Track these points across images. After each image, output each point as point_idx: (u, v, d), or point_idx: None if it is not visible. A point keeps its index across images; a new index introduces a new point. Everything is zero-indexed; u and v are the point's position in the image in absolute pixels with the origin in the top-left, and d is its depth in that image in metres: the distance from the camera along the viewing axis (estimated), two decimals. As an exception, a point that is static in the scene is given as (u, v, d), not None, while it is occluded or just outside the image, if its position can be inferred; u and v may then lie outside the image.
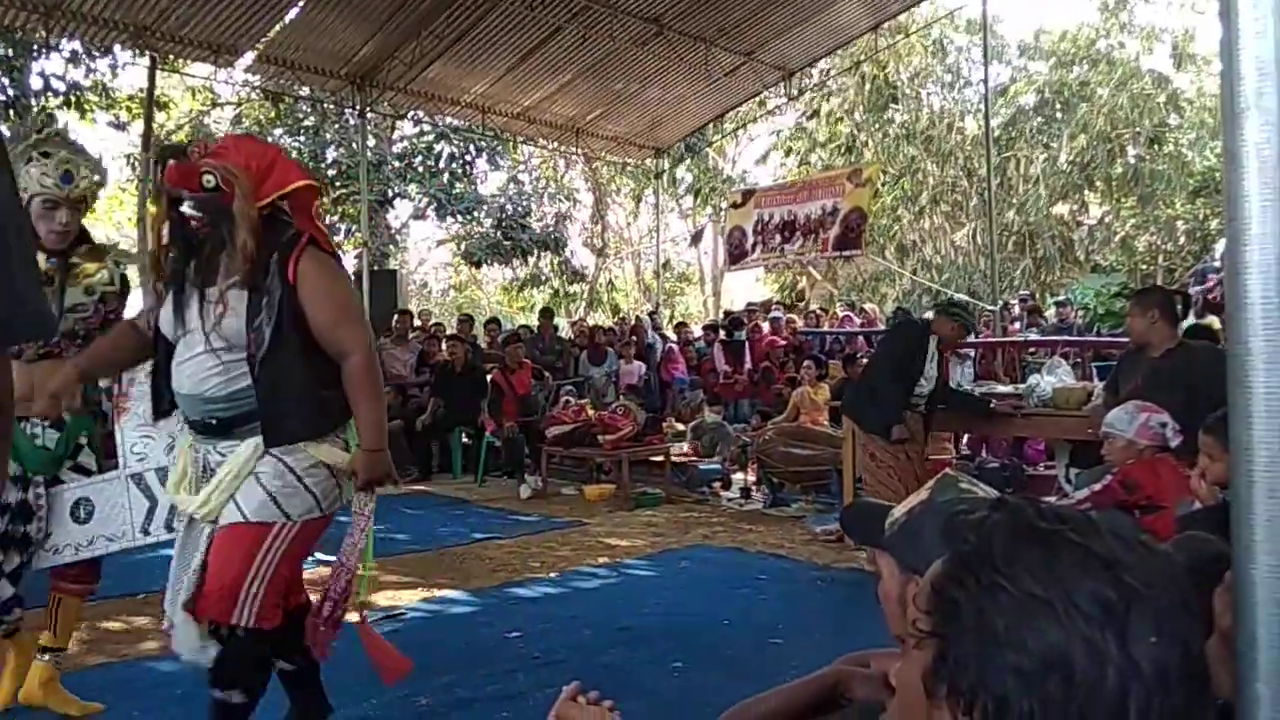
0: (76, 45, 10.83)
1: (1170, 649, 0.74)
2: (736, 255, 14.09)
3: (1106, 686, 0.72)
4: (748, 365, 11.26)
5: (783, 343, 10.99)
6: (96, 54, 11.99)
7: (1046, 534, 0.79)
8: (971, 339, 7.43)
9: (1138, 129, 19.25)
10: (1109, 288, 13.21)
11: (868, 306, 13.82)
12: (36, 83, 11.78)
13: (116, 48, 10.83)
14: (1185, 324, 5.98)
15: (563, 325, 14.14)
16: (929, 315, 7.81)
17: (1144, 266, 19.67)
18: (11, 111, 11.29)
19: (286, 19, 10.09)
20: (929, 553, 1.01)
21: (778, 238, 13.24)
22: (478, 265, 18.33)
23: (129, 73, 16.13)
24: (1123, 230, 20.20)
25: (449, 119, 13.77)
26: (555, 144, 14.63)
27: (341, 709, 3.35)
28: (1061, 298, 12.93)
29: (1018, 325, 11.04)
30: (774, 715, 1.48)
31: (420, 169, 16.35)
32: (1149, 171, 19.11)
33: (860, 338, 11.54)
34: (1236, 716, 0.90)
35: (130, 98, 13.81)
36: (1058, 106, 20.01)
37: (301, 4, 9.85)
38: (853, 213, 12.55)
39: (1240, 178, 0.85)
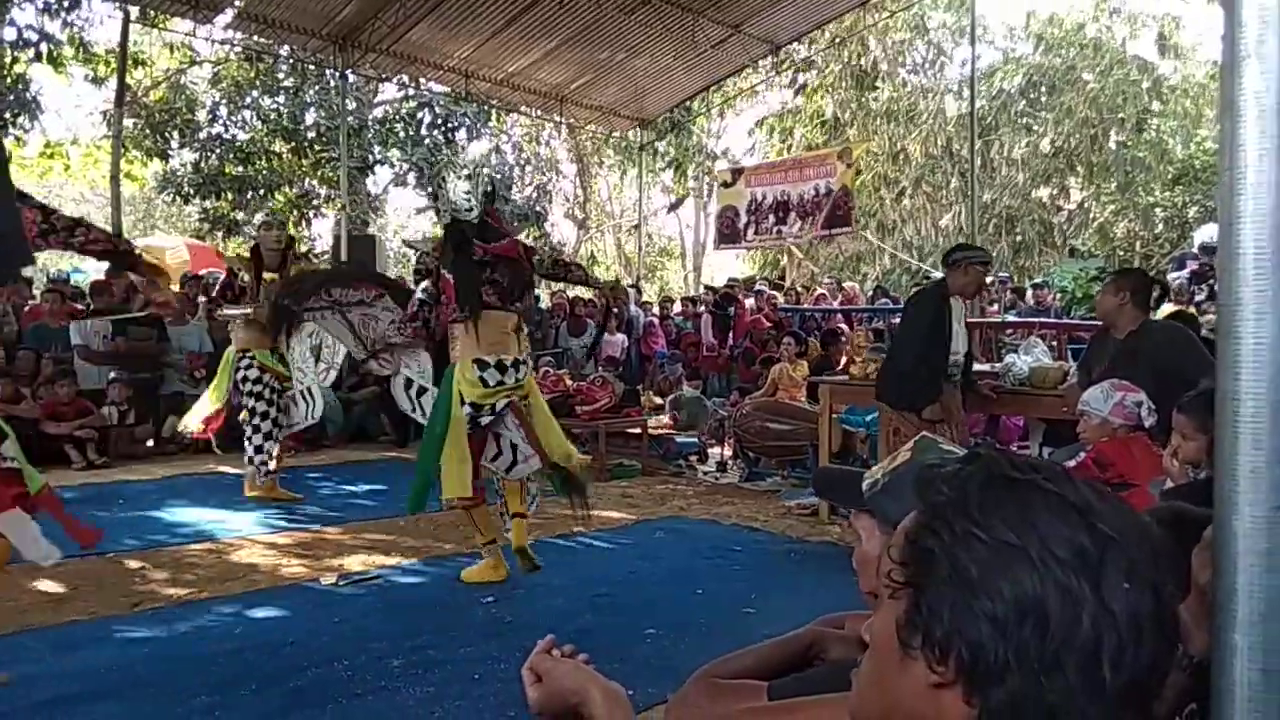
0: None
1: (1142, 596, 0.73)
2: (728, 236, 14.08)
3: (1081, 633, 0.72)
4: (730, 341, 11.27)
5: (768, 323, 10.99)
6: (74, 7, 11.73)
7: (1020, 483, 0.78)
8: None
9: (1121, 115, 19.32)
10: (1086, 271, 13.31)
11: (845, 285, 13.83)
12: (9, 34, 11.52)
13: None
14: (1163, 311, 6.02)
15: (543, 297, 14.07)
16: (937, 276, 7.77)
17: (1122, 252, 19.79)
18: (-17, 64, 11.06)
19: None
20: (912, 509, 1.00)
21: (771, 218, 13.25)
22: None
23: (107, 26, 15.85)
24: (1102, 216, 20.30)
25: (432, 83, 13.61)
26: (539, 112, 14.50)
27: (314, 669, 3.36)
28: (1039, 280, 12.99)
29: (995, 307, 11.08)
30: (748, 673, 1.48)
31: (402, 135, 16.17)
32: (1130, 158, 19.20)
33: (839, 315, 11.56)
34: (1213, 668, 0.90)
35: (108, 51, 13.54)
36: (1043, 90, 20.02)
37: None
38: (840, 191, 12.60)
39: (1238, 126, 0.84)
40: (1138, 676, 0.74)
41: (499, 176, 17.73)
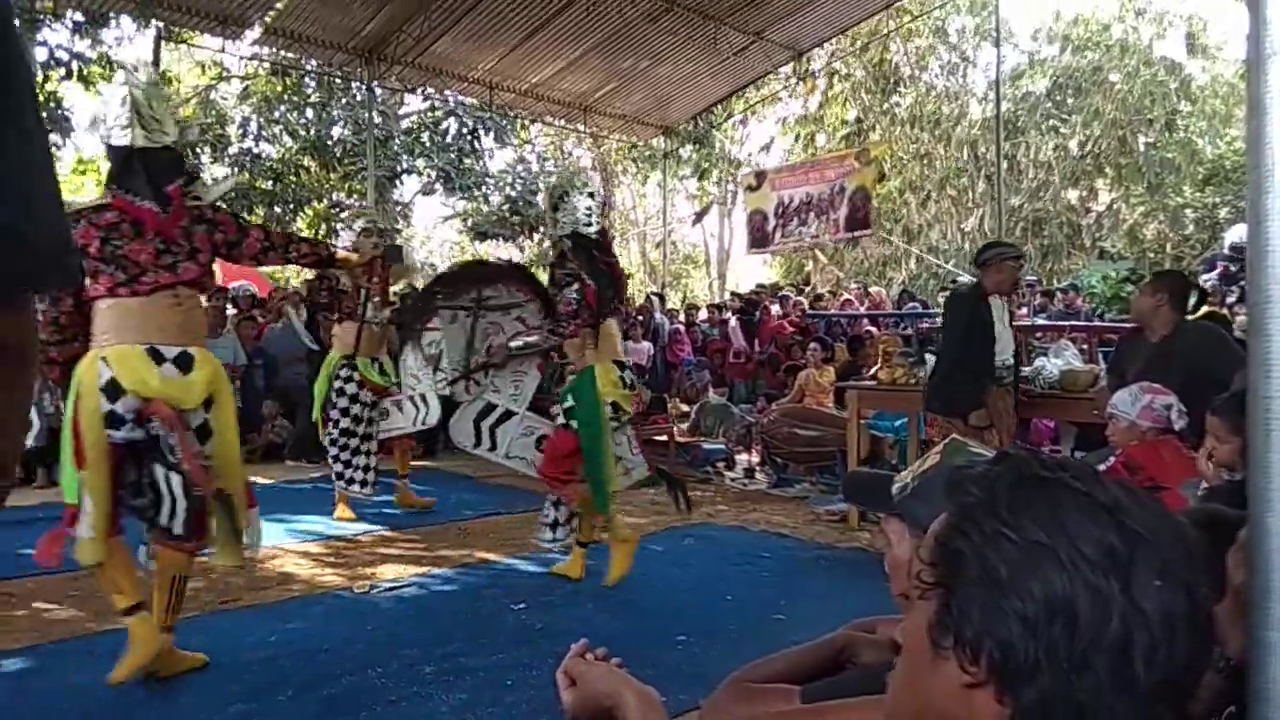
0: (80, 16, 10.76)
1: (1174, 595, 0.73)
2: (759, 239, 14.07)
3: (1110, 632, 0.72)
4: (756, 347, 11.26)
5: (790, 328, 10.96)
6: (102, 25, 11.91)
7: (1049, 482, 0.79)
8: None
9: (1149, 115, 19.13)
10: (1117, 273, 13.18)
11: (872, 290, 13.77)
12: (41, 54, 11.72)
13: (124, 18, 10.75)
14: (1198, 315, 5.95)
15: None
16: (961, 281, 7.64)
17: (1152, 254, 19.58)
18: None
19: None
20: (941, 513, 1.01)
21: (795, 220, 13.26)
22: (487, 238, 18.27)
23: (137, 45, 16.10)
24: (1131, 218, 20.09)
25: (457, 94, 13.71)
26: (563, 121, 14.56)
27: (348, 677, 3.39)
28: (1068, 283, 12.88)
29: (1024, 310, 10.99)
30: (780, 678, 1.48)
31: (428, 143, 16.28)
32: (1159, 159, 19.00)
33: (865, 320, 11.52)
34: (1249, 667, 0.89)
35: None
36: (1069, 92, 19.87)
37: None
38: (857, 192, 12.54)
39: (1264, 124, 0.84)
40: (1171, 675, 0.74)
41: (524, 184, 17.81)
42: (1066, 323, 9.35)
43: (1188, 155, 19.34)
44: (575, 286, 4.63)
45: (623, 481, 4.78)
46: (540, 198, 18.36)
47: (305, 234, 3.85)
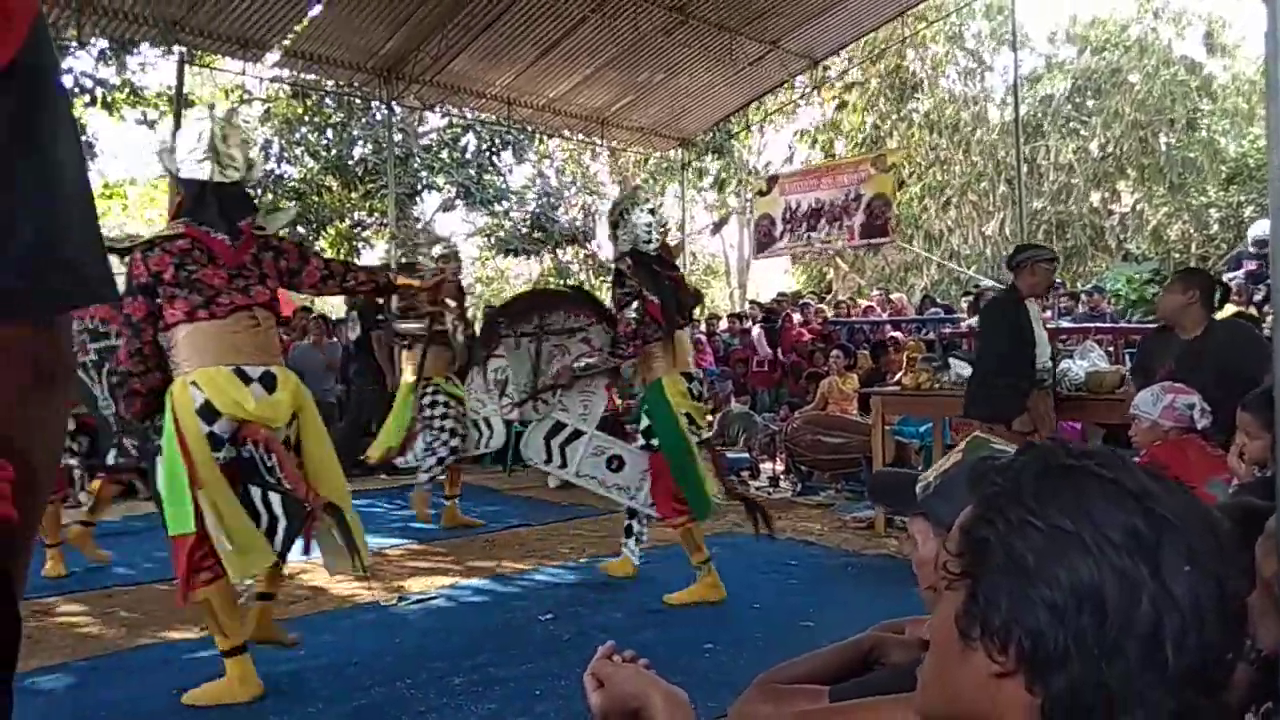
0: (105, 43, 10.93)
1: (1204, 581, 0.73)
2: (764, 243, 14.08)
3: (1140, 617, 0.72)
4: (777, 356, 11.22)
5: (808, 335, 10.92)
6: (126, 52, 12.10)
7: (1075, 470, 0.79)
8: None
9: (1170, 115, 18.97)
10: (1141, 275, 13.04)
11: (893, 296, 13.71)
12: (67, 82, 11.92)
13: (146, 45, 10.90)
14: (1225, 312, 5.89)
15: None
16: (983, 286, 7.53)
17: (1177, 255, 19.38)
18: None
19: (313, 12, 10.15)
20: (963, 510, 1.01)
21: (804, 225, 13.20)
22: (513, 254, 18.37)
23: (158, 71, 16.32)
24: (1155, 218, 19.91)
25: (475, 112, 13.80)
26: (581, 135, 14.63)
27: (378, 688, 3.41)
28: (1093, 285, 12.76)
29: (1049, 313, 10.91)
30: (808, 678, 1.48)
31: (447, 160, 16.41)
32: (1181, 159, 18.83)
33: (888, 326, 11.46)
34: (1281, 656, 0.89)
35: (159, 95, 13.93)
36: (1089, 94, 19.75)
37: (328, -3, 9.91)
38: (876, 199, 12.46)
39: (1282, 112, 0.84)
40: (1203, 661, 0.73)
41: (545, 199, 17.91)
42: (1091, 325, 9.27)
43: (1210, 154, 19.16)
44: (635, 305, 4.74)
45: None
46: (559, 212, 18.52)
47: (364, 264, 3.99)
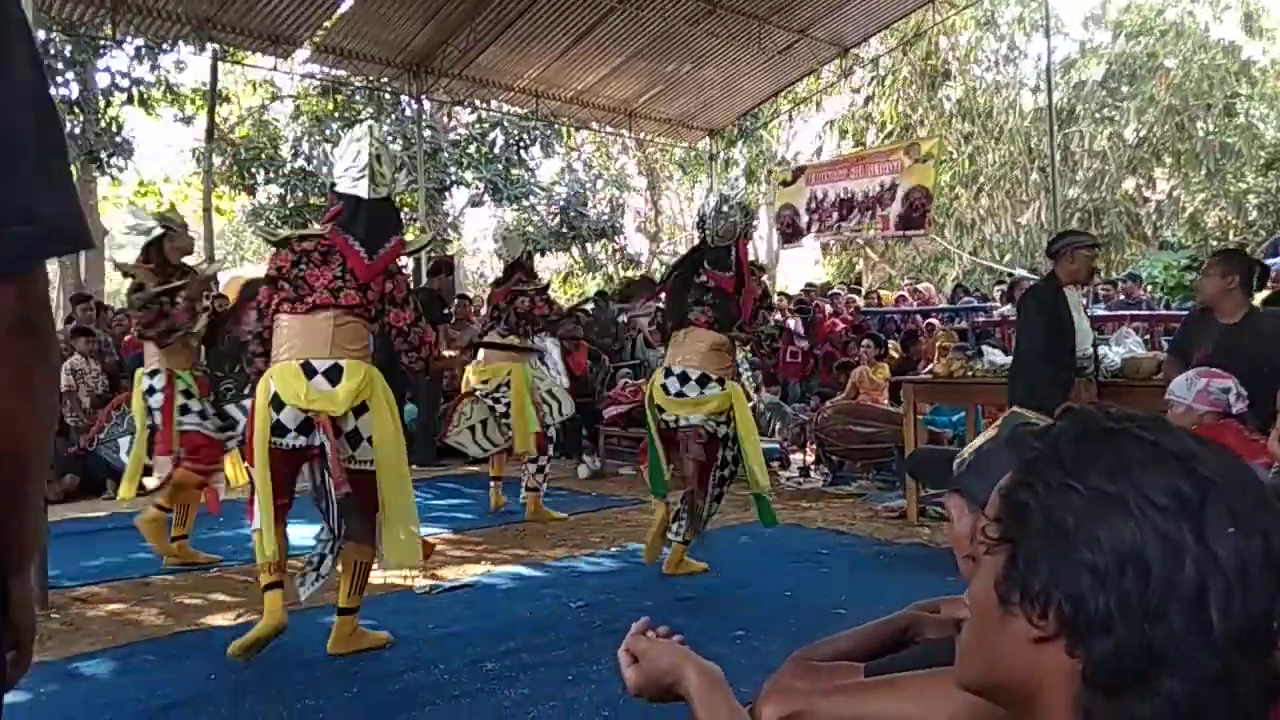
0: (140, 41, 11.07)
1: (1249, 542, 0.72)
2: (790, 234, 13.96)
3: (1184, 579, 0.71)
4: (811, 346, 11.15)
5: (841, 325, 10.85)
6: (160, 50, 12.26)
7: (1115, 433, 0.77)
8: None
9: (1208, 100, 18.64)
10: (1178, 262, 12.88)
11: (921, 286, 13.58)
12: (103, 80, 12.10)
13: (180, 43, 11.03)
14: (1262, 296, 5.78)
15: (621, 312, 14.15)
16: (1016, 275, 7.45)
17: (1215, 242, 19.04)
18: (78, 109, 11.59)
19: (343, 8, 10.23)
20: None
21: (834, 215, 13.08)
22: (541, 253, 18.42)
23: (192, 68, 16.54)
24: (1192, 205, 19.58)
25: (503, 105, 13.84)
26: (609, 127, 14.63)
27: (411, 673, 3.44)
28: (1129, 273, 12.59)
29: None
30: (843, 656, 1.47)
31: (476, 155, 16.46)
32: (1219, 144, 18.50)
33: (918, 316, 11.37)
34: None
35: (194, 91, 14.10)
36: (1124, 79, 19.45)
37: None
38: (915, 190, 12.29)
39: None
40: (1249, 624, 0.72)
41: (573, 194, 17.92)
42: (1126, 312, 9.14)
43: (1249, 139, 18.78)
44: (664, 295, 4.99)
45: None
46: (588, 206, 18.53)
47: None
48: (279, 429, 3.46)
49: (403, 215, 4.11)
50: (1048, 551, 0.75)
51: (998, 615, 0.79)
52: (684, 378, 4.70)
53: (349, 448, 3.50)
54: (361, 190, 3.57)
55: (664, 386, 4.75)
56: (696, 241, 5.00)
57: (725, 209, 4.78)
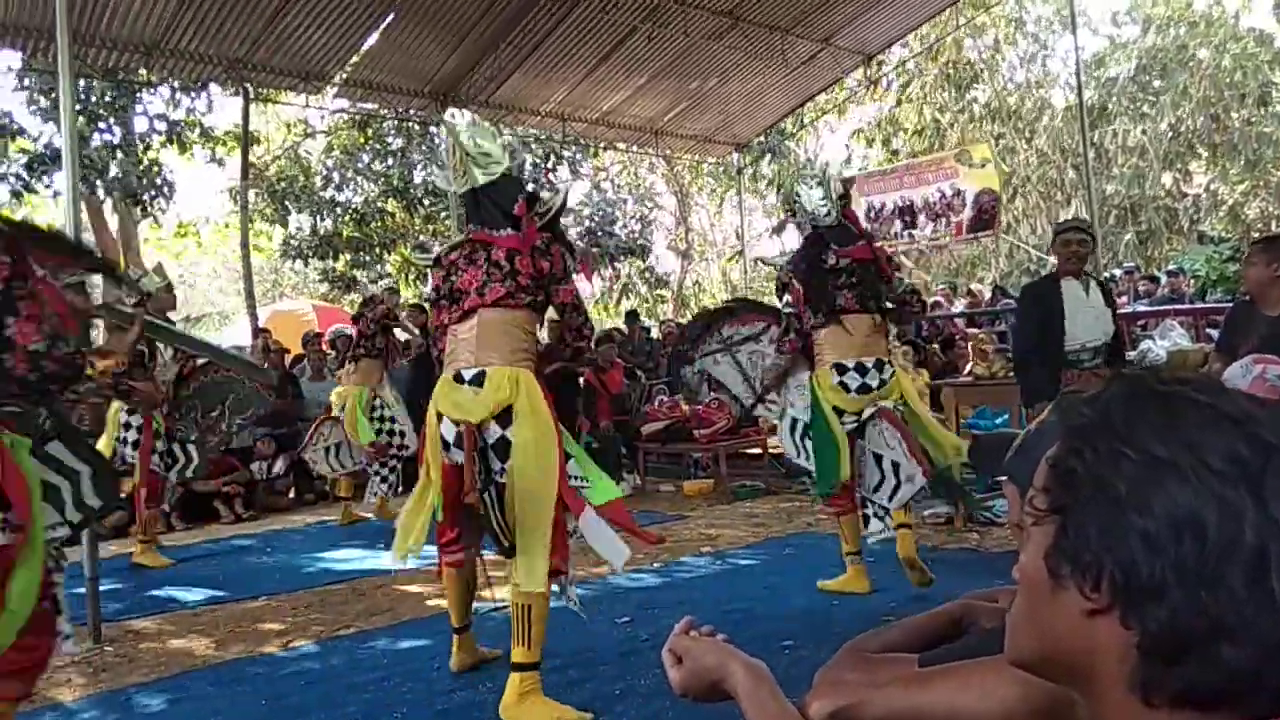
0: (174, 84, 11.33)
1: None
2: None
3: (1244, 545, 0.68)
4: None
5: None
6: (194, 93, 12.53)
7: (1168, 396, 0.75)
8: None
9: (1242, 91, 18.34)
10: (1220, 254, 12.64)
11: (974, 287, 13.51)
12: (141, 124, 12.39)
13: (212, 85, 11.26)
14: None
15: (653, 327, 14.17)
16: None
17: (1256, 233, 18.68)
18: (120, 152, 11.87)
19: (369, 42, 10.39)
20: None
21: (898, 224, 13.11)
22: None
23: (225, 110, 16.87)
24: (1231, 197, 19.23)
25: (530, 130, 13.94)
26: (635, 147, 14.68)
27: (459, 692, 3.43)
28: (1173, 267, 12.38)
29: (1124, 299, 10.60)
30: (897, 647, 1.44)
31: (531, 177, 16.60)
32: (1256, 134, 18.17)
33: (956, 320, 11.25)
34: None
35: (227, 133, 14.39)
36: (1155, 73, 19.21)
37: (383, 25, 10.12)
38: (984, 194, 12.46)
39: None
40: None
41: (601, 214, 17.98)
42: (1169, 306, 8.99)
43: (1287, 127, 18.44)
44: (786, 299, 4.71)
45: (906, 491, 4.45)
46: (616, 225, 18.58)
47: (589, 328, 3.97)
48: (444, 443, 3.34)
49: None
50: (1097, 520, 0.73)
51: (1048, 589, 0.77)
52: (862, 369, 4.42)
53: (498, 460, 3.28)
54: (472, 180, 3.44)
55: (842, 385, 4.42)
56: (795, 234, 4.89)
57: (829, 185, 4.55)
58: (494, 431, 3.25)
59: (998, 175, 12.60)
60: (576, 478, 3.39)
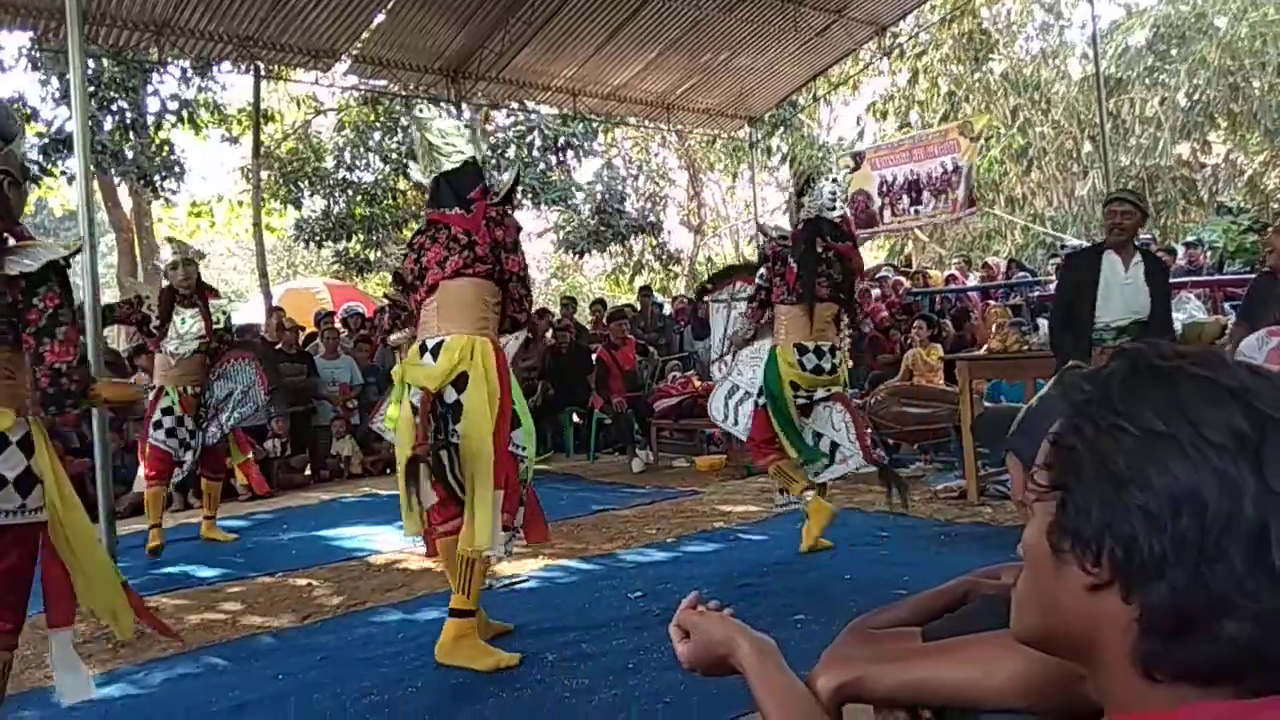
0: (186, 64, 11.30)
1: None
2: (864, 221, 13.79)
3: (1243, 519, 0.68)
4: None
5: (884, 312, 10.72)
6: (205, 71, 12.49)
7: (1167, 370, 0.74)
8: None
9: (1262, 59, 18.05)
10: (1238, 224, 12.49)
11: (990, 260, 13.41)
12: (153, 103, 12.37)
13: (225, 64, 11.23)
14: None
15: (665, 305, 14.15)
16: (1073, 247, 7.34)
17: (1276, 204, 18.45)
18: (131, 133, 11.86)
19: (379, 18, 10.35)
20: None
21: (905, 199, 13.02)
22: (580, 255, 18.43)
23: (237, 88, 16.84)
24: (1250, 167, 19.00)
25: (541, 106, 13.88)
26: (647, 121, 14.59)
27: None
28: (1190, 239, 12.25)
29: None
30: (901, 623, 1.45)
31: (514, 159, 16.53)
32: (1276, 103, 17.91)
33: (973, 294, 11.20)
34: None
35: (240, 110, 14.37)
36: (1172, 42, 18.93)
37: (391, 2, 10.08)
38: (973, 171, 12.38)
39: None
40: None
41: (611, 193, 17.89)
42: (1186, 279, 8.91)
43: (1308, 97, 18.16)
44: (761, 271, 5.06)
45: (838, 469, 4.90)
46: (627, 203, 18.51)
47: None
48: (415, 410, 3.49)
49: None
50: (1098, 495, 0.72)
51: (1051, 565, 0.77)
52: (819, 352, 4.82)
53: (453, 422, 3.45)
54: (437, 168, 3.65)
55: (800, 363, 4.81)
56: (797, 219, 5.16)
57: (841, 193, 5.00)
58: (450, 394, 3.45)
59: (976, 149, 12.59)
60: (520, 447, 3.57)
